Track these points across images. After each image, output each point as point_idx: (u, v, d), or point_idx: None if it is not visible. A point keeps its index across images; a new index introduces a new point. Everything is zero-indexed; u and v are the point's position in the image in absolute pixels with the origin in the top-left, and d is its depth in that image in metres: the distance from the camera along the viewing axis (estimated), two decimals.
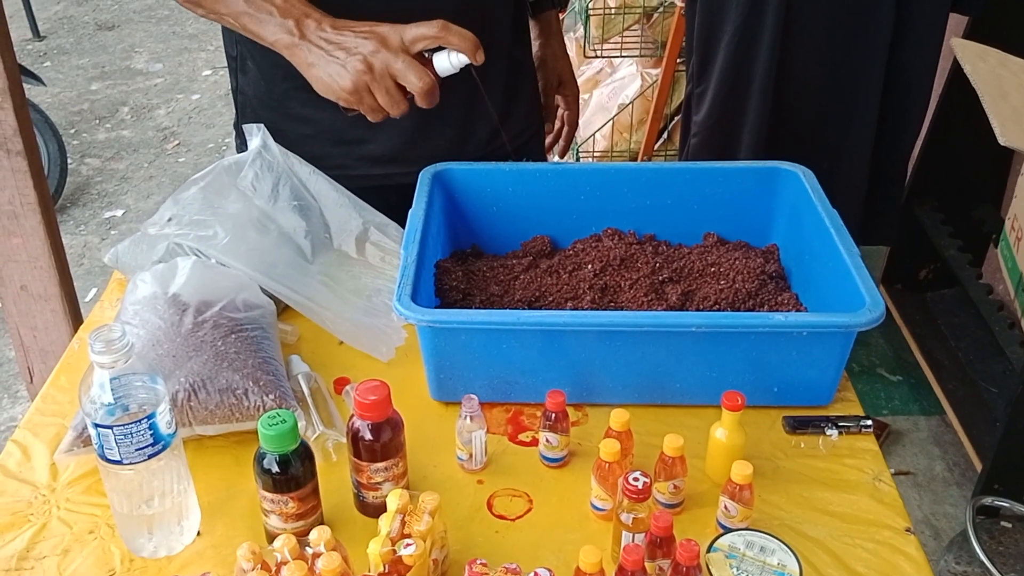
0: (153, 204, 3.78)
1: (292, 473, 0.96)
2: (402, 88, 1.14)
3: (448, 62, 1.16)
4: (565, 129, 1.74)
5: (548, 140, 1.74)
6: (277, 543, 0.90)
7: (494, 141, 1.50)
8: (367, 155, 1.46)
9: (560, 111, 1.74)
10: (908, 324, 2.68)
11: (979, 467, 2.24)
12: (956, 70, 2.43)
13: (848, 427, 1.17)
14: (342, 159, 1.46)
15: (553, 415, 1.10)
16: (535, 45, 1.64)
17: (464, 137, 1.48)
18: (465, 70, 1.18)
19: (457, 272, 1.35)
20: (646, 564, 0.91)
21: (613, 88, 3.08)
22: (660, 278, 1.33)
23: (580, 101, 1.80)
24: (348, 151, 1.45)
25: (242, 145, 1.51)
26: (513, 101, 1.52)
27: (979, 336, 2.55)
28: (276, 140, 1.39)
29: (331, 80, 1.14)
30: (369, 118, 1.18)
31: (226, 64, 1.51)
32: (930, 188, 2.61)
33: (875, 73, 1.94)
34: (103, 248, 3.52)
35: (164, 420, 0.95)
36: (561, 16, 1.79)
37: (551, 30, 1.67)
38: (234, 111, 1.54)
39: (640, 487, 0.94)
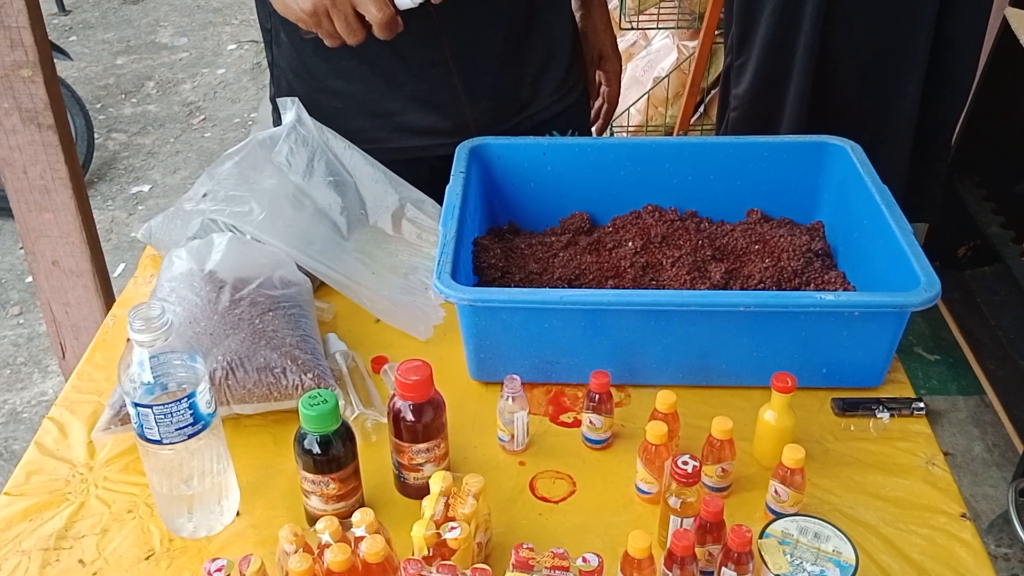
0: (180, 179, 3.77)
1: (333, 454, 0.95)
2: (361, 18, 1.12)
3: None
4: (605, 107, 1.70)
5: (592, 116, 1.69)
6: (319, 525, 0.89)
7: (527, 109, 1.47)
8: (402, 127, 1.43)
9: (601, 87, 1.69)
10: (947, 302, 2.62)
11: (1020, 448, 2.20)
12: (1000, 42, 2.36)
13: (900, 409, 1.14)
14: (376, 132, 1.43)
15: (597, 396, 1.07)
16: (576, 16, 1.59)
17: (499, 107, 1.44)
18: (424, 6, 1.14)
19: (496, 249, 1.32)
20: (695, 549, 0.89)
21: (648, 61, 3.02)
22: (703, 256, 1.30)
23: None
24: (382, 123, 1.43)
25: (278, 119, 1.48)
26: (545, 67, 1.48)
27: (1021, 314, 2.50)
28: (311, 114, 1.37)
29: (292, 0, 1.12)
30: (326, 43, 1.16)
31: (251, 39, 1.49)
32: (972, 163, 2.55)
33: (921, 45, 1.88)
34: (131, 223, 3.51)
35: (204, 399, 0.93)
36: None
37: (592, 0, 1.62)
38: (266, 84, 1.52)
39: (690, 471, 0.92)
